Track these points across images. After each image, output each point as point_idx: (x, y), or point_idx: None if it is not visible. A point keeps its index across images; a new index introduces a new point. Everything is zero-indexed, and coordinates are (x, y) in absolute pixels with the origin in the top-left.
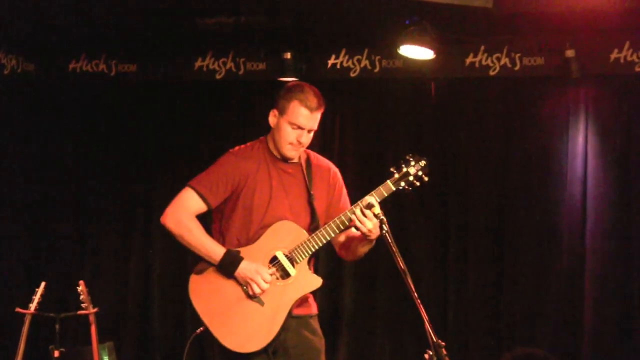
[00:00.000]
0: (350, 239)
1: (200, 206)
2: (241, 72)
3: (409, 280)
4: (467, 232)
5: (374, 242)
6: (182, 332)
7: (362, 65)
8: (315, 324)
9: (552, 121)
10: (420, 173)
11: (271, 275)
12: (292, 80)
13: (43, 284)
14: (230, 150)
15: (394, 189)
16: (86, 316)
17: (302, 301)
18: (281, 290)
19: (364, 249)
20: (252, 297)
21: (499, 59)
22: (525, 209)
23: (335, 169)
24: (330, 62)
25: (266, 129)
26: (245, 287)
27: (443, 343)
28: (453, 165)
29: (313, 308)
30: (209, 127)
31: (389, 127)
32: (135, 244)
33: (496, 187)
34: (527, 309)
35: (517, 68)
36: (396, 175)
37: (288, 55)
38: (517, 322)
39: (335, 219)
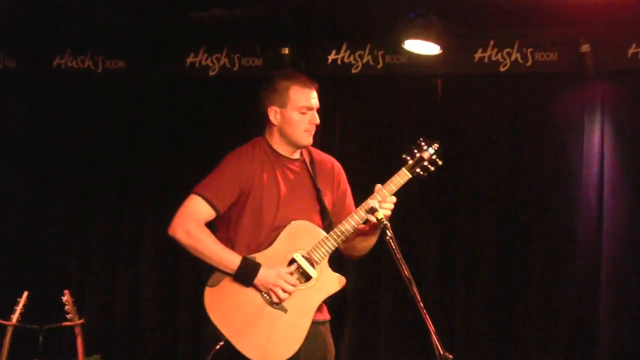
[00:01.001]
0: (359, 233)
1: (208, 213)
2: (236, 68)
3: (414, 289)
4: (476, 237)
5: (379, 232)
6: (175, 345)
7: (365, 61)
8: (327, 332)
9: (566, 120)
10: (434, 157)
11: (294, 278)
12: (270, 75)
13: (25, 293)
14: (231, 152)
15: (410, 176)
16: (71, 328)
17: None
18: (303, 295)
19: (371, 242)
20: (274, 304)
21: (509, 54)
22: (537, 214)
23: (337, 164)
24: (331, 57)
25: (260, 126)
26: (266, 295)
27: (450, 356)
28: (460, 167)
29: (325, 313)
30: (202, 126)
31: (393, 126)
32: (123, 250)
33: (506, 190)
34: (539, 319)
35: (528, 64)
36: (410, 162)
37: (286, 51)
38: (528, 333)
39: (358, 210)
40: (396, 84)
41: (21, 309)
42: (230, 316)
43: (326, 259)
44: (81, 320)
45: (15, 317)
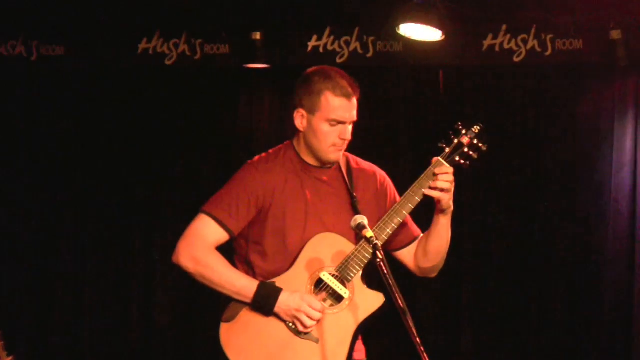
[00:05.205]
0: (423, 239)
1: (219, 236)
2: (197, 56)
3: (410, 322)
4: (486, 257)
5: (450, 216)
6: None
7: (352, 48)
8: None
9: (594, 119)
10: (475, 141)
11: (321, 301)
12: (312, 68)
13: None
14: (249, 161)
15: (450, 168)
16: None
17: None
18: (336, 319)
19: (443, 240)
20: (302, 334)
21: (525, 42)
22: (560, 229)
23: (382, 173)
24: (311, 44)
25: (228, 127)
26: (291, 324)
27: None
28: (468, 174)
29: (362, 352)
30: (156, 124)
31: (386, 125)
32: (62, 269)
33: (523, 201)
34: (564, 342)
35: (548, 53)
36: (447, 150)
37: (257, 36)
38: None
39: (390, 211)
40: (390, 76)
41: None
42: (252, 353)
43: (359, 274)
44: (10, 358)
45: None
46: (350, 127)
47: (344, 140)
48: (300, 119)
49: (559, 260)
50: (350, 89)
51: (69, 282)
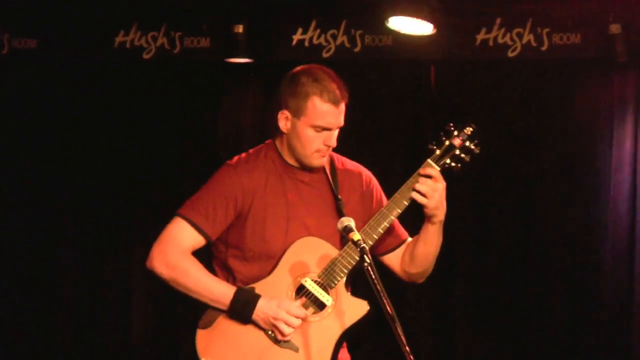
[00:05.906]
0: (411, 244)
1: (195, 240)
2: (177, 50)
3: (399, 329)
4: (483, 258)
5: (440, 224)
6: None
7: (339, 42)
8: None
9: (592, 117)
10: (467, 143)
11: (300, 308)
12: (300, 67)
13: None
14: (228, 162)
15: (438, 169)
16: None
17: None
18: (318, 328)
19: (432, 246)
20: (282, 342)
21: (520, 36)
22: (556, 232)
23: (368, 173)
24: (296, 38)
25: (209, 124)
26: (270, 332)
27: None
28: (462, 174)
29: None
30: (133, 120)
31: (375, 123)
32: (62, 269)
33: (518, 203)
34: (562, 352)
35: (544, 48)
36: (437, 152)
37: (239, 29)
38: None
39: (377, 215)
40: (379, 71)
41: None
42: None
43: (343, 280)
44: None
45: None
46: (335, 133)
47: (329, 146)
48: (284, 121)
49: (557, 260)
50: (338, 94)
51: (69, 282)
